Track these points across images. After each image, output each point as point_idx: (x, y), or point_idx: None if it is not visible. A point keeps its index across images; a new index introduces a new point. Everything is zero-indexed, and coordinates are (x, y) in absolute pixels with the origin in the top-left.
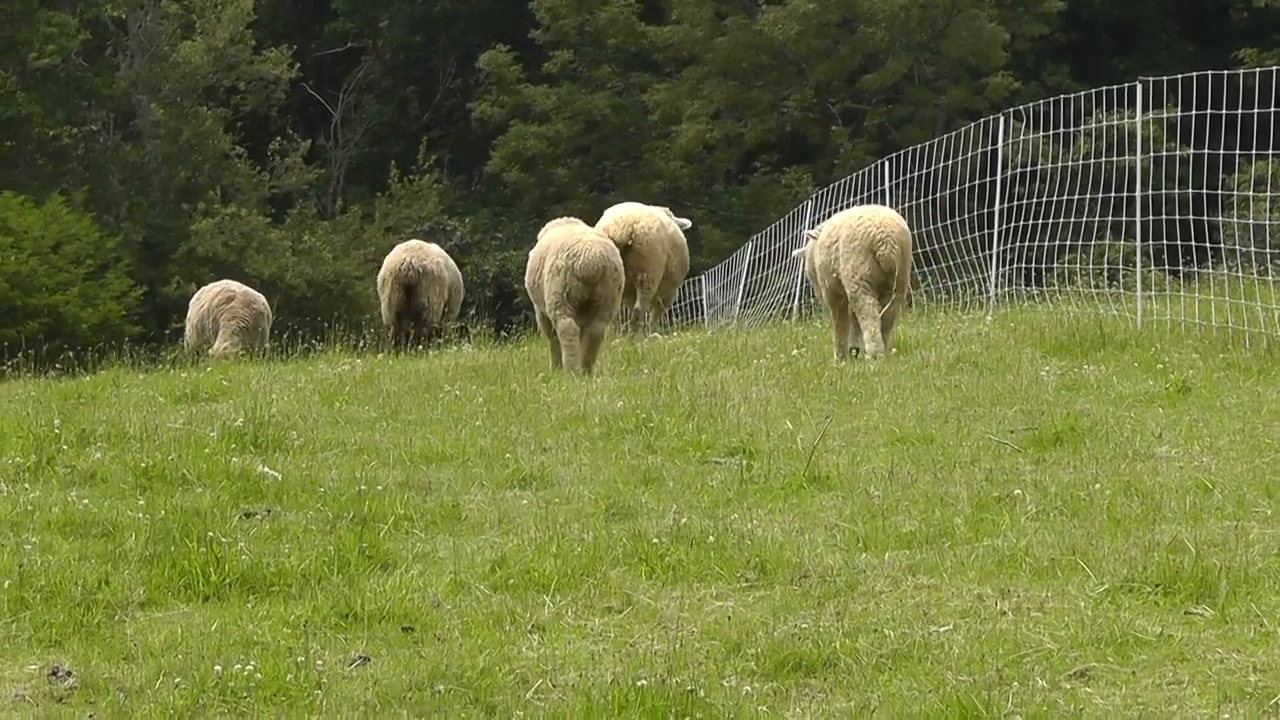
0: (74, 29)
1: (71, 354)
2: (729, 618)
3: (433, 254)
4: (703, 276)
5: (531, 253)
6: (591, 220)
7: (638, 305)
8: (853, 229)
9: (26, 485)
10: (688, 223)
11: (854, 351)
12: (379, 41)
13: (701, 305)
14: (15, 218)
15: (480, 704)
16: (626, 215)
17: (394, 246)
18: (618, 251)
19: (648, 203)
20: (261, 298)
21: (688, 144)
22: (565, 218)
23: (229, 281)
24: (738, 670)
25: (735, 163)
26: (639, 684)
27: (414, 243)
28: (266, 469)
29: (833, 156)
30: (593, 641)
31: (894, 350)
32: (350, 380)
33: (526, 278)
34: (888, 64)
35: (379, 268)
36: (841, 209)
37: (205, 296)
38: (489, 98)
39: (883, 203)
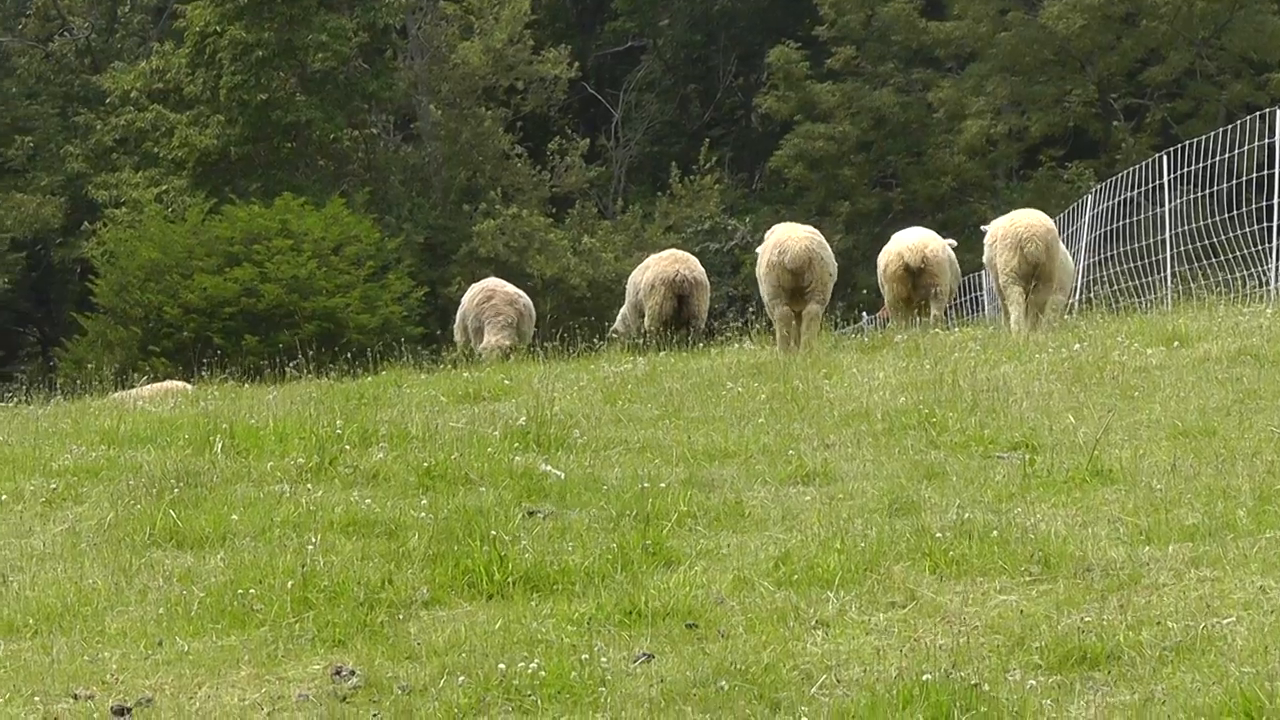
0: (350, 33)
1: (350, 355)
2: (1012, 612)
3: (696, 263)
4: (984, 272)
5: (758, 251)
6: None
7: (935, 312)
8: (1006, 229)
9: (309, 486)
10: (954, 242)
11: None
12: (659, 40)
13: (983, 301)
14: (295, 220)
15: (765, 700)
16: (918, 242)
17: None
18: (826, 244)
19: (934, 200)
20: (525, 296)
21: (971, 140)
22: (783, 222)
23: (492, 280)
24: (1021, 664)
25: (1018, 158)
26: (923, 679)
27: (677, 252)
28: (549, 468)
29: (1114, 151)
30: (877, 637)
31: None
32: (632, 378)
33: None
34: (1170, 58)
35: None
36: (1120, 203)
37: (468, 295)
38: (775, 93)
39: (1161, 197)
